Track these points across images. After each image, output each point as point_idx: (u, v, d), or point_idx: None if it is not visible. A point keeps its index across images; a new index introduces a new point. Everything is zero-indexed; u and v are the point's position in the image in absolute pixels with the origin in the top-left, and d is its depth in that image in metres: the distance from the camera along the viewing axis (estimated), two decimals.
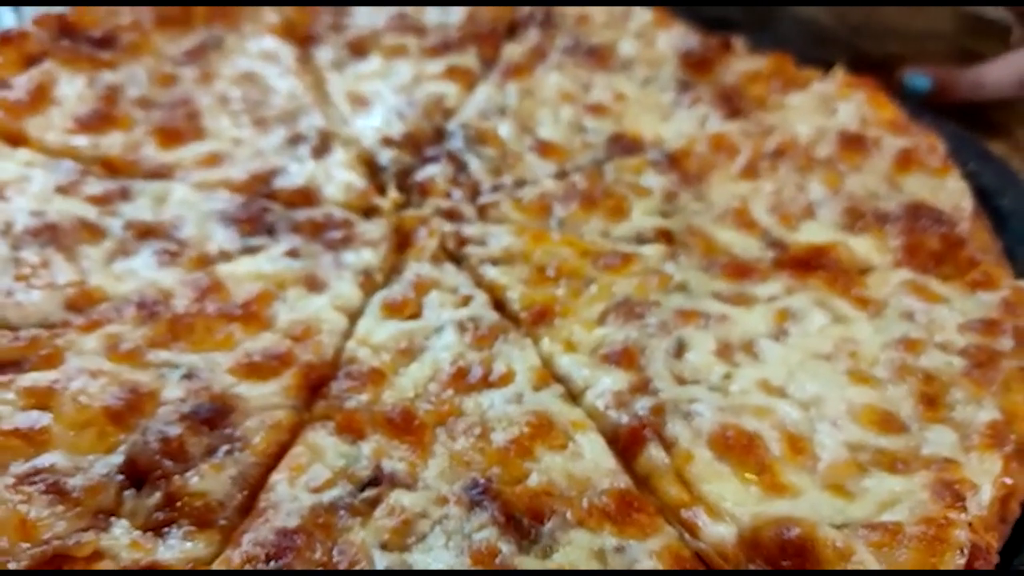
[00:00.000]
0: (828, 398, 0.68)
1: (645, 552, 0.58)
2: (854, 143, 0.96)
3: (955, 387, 0.69)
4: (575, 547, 0.58)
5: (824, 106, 1.03)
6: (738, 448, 0.63)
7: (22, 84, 0.94)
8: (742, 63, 1.10)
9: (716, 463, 0.63)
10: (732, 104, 1.04)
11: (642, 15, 1.17)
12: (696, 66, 1.09)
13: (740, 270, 0.81)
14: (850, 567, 0.55)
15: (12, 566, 0.54)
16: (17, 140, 0.90)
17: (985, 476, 0.62)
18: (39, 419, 0.61)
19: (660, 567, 0.57)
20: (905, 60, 1.36)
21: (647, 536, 0.59)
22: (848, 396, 0.68)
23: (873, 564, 0.56)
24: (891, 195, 0.90)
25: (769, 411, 0.67)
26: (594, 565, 0.57)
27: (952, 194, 0.90)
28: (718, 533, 0.59)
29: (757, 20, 1.46)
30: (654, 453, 0.63)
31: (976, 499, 0.60)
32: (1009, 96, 1.16)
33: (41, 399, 0.62)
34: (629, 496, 0.61)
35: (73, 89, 0.95)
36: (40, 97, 0.93)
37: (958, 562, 0.56)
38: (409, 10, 1.14)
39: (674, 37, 1.13)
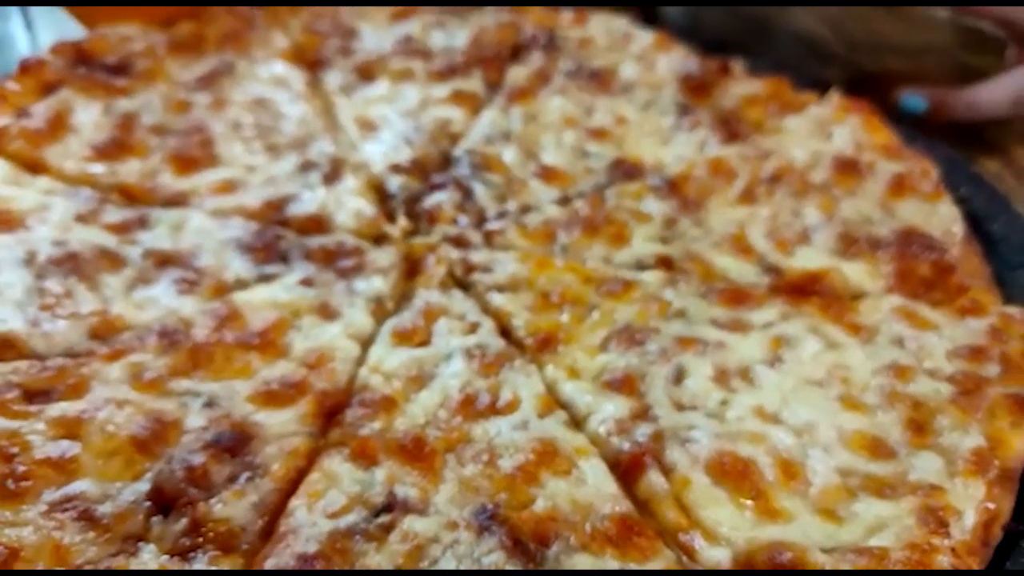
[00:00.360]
0: (820, 424, 0.71)
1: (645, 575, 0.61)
2: (849, 168, 0.99)
3: (942, 414, 0.72)
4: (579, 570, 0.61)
5: (820, 130, 1.06)
6: (734, 474, 0.66)
7: (40, 112, 0.97)
8: (740, 86, 1.12)
9: (713, 488, 0.66)
10: (730, 128, 1.06)
11: (643, 38, 1.20)
12: (695, 89, 1.11)
13: (737, 296, 0.83)
14: None
15: None
16: (36, 168, 0.92)
17: (969, 502, 0.65)
18: (69, 448, 0.64)
19: None
20: (903, 75, 1.39)
21: (647, 559, 0.62)
22: (839, 422, 0.71)
23: None
24: (884, 220, 0.93)
25: (764, 437, 0.69)
26: None
27: (944, 219, 0.93)
28: (714, 557, 0.62)
29: (755, 36, 1.49)
30: (654, 479, 0.66)
31: (959, 524, 0.63)
32: (1003, 116, 1.19)
33: (70, 429, 0.66)
34: (630, 520, 0.64)
35: (89, 117, 0.98)
36: (58, 125, 0.96)
37: None
38: (415, 34, 1.17)
39: (674, 60, 1.15)
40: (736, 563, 0.62)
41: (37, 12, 1.43)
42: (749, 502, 0.65)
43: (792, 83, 1.14)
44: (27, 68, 1.01)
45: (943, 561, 0.61)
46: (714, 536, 0.63)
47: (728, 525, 0.63)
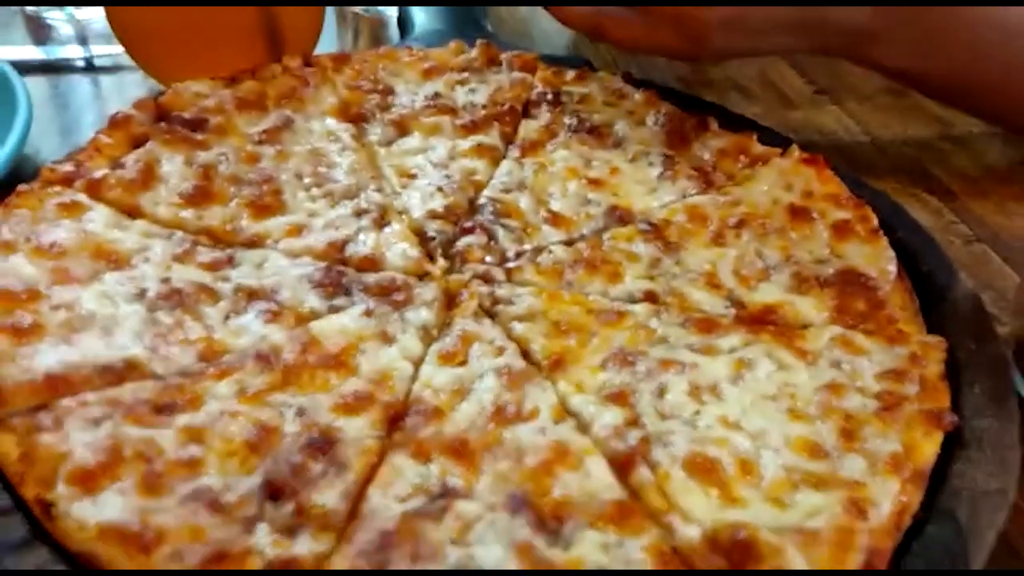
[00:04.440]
0: (771, 431, 0.89)
1: (637, 547, 0.78)
2: (803, 214, 1.19)
3: (868, 425, 0.89)
4: (587, 542, 0.78)
5: (781, 180, 1.25)
6: (703, 470, 0.84)
7: (132, 163, 1.15)
8: (715, 140, 1.32)
9: (687, 481, 0.83)
10: (706, 177, 1.26)
11: (635, 96, 1.39)
12: (677, 143, 1.31)
13: (708, 325, 1.02)
14: (781, 561, 0.76)
15: (189, 560, 0.75)
16: (134, 213, 1.10)
17: (885, 496, 0.82)
18: (196, 451, 0.82)
19: (647, 559, 0.78)
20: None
21: (638, 535, 0.79)
22: (786, 430, 0.89)
23: (799, 559, 0.76)
24: (830, 261, 1.12)
25: (727, 441, 0.88)
26: (601, 555, 0.77)
27: (880, 260, 1.12)
28: (688, 534, 0.79)
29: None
30: (643, 473, 0.84)
31: (877, 513, 0.80)
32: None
33: (194, 436, 0.84)
34: (625, 505, 0.81)
35: (174, 167, 1.16)
36: (148, 175, 1.14)
37: (858, 559, 0.77)
38: (442, 91, 1.36)
39: (660, 116, 1.35)
40: (704, 538, 0.79)
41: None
42: (715, 492, 0.82)
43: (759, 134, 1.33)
44: (116, 123, 1.19)
45: (861, 541, 0.77)
46: (688, 518, 0.80)
47: (699, 509, 0.81)
